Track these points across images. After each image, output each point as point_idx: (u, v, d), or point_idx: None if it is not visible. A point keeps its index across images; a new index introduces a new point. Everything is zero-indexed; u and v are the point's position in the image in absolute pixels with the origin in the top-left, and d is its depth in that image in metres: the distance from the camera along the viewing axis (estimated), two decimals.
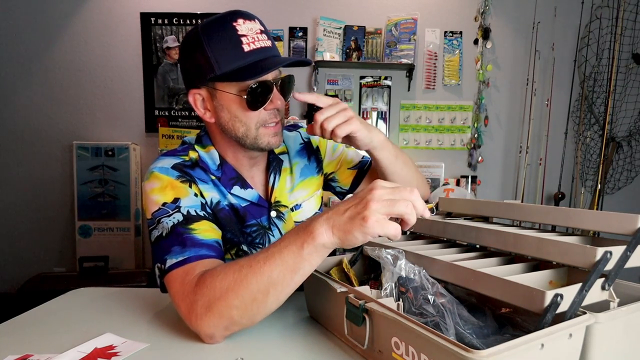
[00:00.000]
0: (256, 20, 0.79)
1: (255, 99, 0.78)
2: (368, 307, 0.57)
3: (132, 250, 2.86)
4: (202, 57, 0.76)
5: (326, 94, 2.93)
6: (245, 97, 0.77)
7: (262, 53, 0.77)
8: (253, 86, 0.77)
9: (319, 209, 1.03)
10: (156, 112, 3.01)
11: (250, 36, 0.76)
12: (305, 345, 0.67)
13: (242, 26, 0.76)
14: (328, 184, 1.09)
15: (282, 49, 2.96)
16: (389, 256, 0.65)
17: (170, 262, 0.71)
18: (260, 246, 0.90)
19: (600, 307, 0.52)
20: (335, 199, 2.77)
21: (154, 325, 0.76)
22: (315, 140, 1.05)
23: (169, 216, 0.75)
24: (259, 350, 0.66)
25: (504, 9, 2.98)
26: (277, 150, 0.97)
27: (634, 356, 0.55)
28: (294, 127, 1.07)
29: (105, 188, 2.84)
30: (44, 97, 2.96)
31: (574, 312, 0.49)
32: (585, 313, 0.49)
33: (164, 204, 0.77)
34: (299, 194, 0.98)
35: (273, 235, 0.91)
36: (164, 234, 0.74)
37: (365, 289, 0.64)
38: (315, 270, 0.74)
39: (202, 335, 0.66)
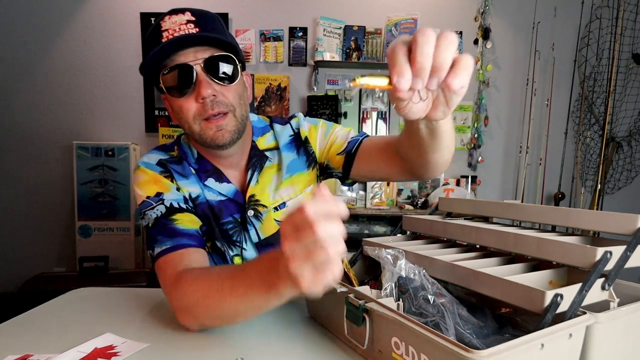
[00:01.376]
0: (187, 13, 0.75)
1: (170, 86, 0.75)
2: (368, 307, 0.57)
3: (132, 250, 2.86)
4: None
5: (326, 94, 2.93)
6: (161, 85, 0.75)
7: (178, 41, 0.72)
8: (164, 73, 0.74)
9: None
10: (156, 112, 3.01)
11: (172, 29, 0.73)
12: (305, 345, 0.67)
13: (167, 22, 0.74)
14: (327, 172, 0.99)
15: (282, 48, 2.96)
16: (389, 256, 0.65)
17: (157, 250, 0.76)
18: (238, 245, 0.89)
19: (600, 307, 0.52)
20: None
21: (154, 325, 0.76)
22: (305, 130, 0.96)
23: (152, 209, 0.80)
24: (259, 350, 0.66)
25: (504, 9, 2.98)
26: (262, 146, 0.92)
27: (634, 356, 0.55)
28: (289, 118, 1.00)
29: (105, 188, 2.84)
30: (44, 97, 2.96)
31: (574, 312, 0.49)
32: (585, 313, 0.49)
33: (148, 197, 0.81)
34: (285, 191, 0.92)
35: (249, 235, 0.89)
36: (150, 225, 0.79)
37: (365, 289, 0.64)
38: None
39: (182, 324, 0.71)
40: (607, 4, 2.89)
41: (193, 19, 0.75)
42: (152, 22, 2.91)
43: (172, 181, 0.84)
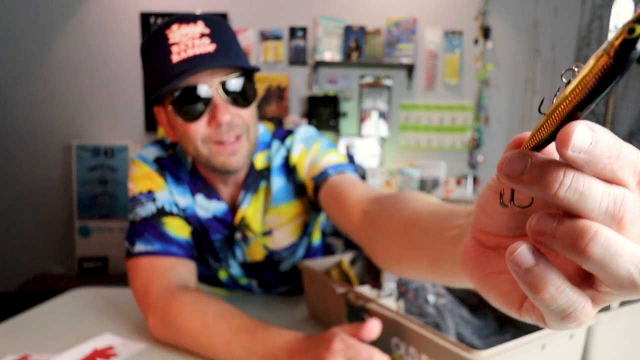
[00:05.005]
0: (198, 23, 0.68)
1: (178, 109, 0.68)
2: (368, 307, 0.57)
3: None
4: (145, 74, 0.72)
5: (326, 95, 2.92)
6: (173, 110, 0.68)
7: (195, 62, 0.65)
8: (176, 95, 0.67)
9: (301, 237, 0.89)
10: None
11: (183, 43, 0.66)
12: None
13: (175, 33, 0.67)
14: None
15: (282, 48, 2.95)
16: None
17: (139, 247, 0.73)
18: (223, 260, 0.88)
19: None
20: None
21: None
22: (295, 155, 0.82)
23: (142, 206, 0.77)
24: None
25: (504, 9, 2.98)
26: (258, 166, 0.83)
27: (635, 357, 0.55)
28: (288, 132, 0.87)
29: (104, 188, 2.84)
30: (44, 97, 2.96)
31: None
32: None
33: (140, 192, 0.78)
34: (272, 220, 0.85)
35: (235, 254, 0.88)
36: (137, 220, 0.76)
37: (365, 289, 0.64)
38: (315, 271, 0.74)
39: (148, 325, 0.69)
40: (608, 3, 2.88)
41: (207, 31, 0.67)
42: (152, 22, 2.92)
43: (165, 183, 0.81)
